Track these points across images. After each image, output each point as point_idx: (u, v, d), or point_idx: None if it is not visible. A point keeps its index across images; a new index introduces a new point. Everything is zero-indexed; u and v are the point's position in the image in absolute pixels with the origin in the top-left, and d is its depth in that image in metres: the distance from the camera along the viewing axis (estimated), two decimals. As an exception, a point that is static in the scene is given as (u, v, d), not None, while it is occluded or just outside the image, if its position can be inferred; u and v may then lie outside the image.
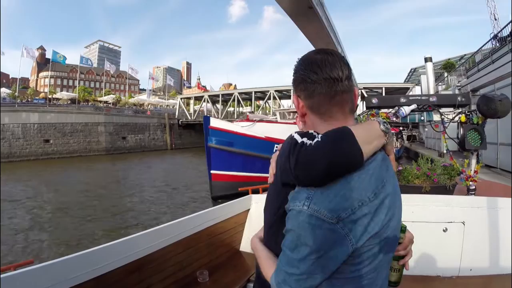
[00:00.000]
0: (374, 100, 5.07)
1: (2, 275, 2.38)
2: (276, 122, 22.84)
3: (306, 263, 1.27)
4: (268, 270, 1.49)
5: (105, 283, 3.02)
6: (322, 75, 1.40)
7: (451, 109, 4.91)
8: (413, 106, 4.57)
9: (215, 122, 19.95)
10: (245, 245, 4.91)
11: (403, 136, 51.91)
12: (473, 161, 4.82)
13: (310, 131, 1.41)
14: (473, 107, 4.72)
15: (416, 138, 58.20)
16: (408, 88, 59.26)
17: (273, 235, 1.60)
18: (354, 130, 1.31)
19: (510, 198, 3.99)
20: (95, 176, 31.28)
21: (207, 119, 19.90)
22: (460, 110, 4.85)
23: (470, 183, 4.76)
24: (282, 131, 20.65)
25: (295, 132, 1.42)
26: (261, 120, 21.82)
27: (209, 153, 19.63)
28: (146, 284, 3.44)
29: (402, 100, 4.69)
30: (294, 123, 22.31)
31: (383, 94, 58.05)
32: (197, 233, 4.19)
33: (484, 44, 27.87)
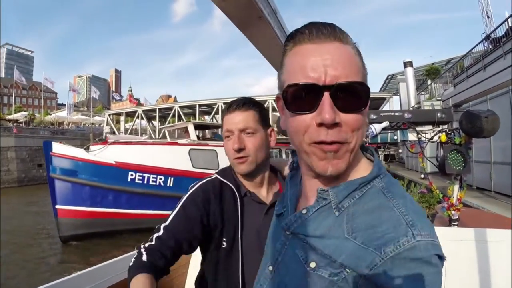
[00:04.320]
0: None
1: None
2: (132, 143, 22.53)
3: None
4: None
5: None
6: None
7: (430, 126, 5.00)
8: (385, 124, 4.59)
9: (58, 148, 19.58)
10: (189, 290, 4.88)
11: (379, 155, 52.54)
12: (456, 187, 4.87)
13: None
14: (456, 124, 4.77)
15: (395, 158, 58.67)
16: (384, 99, 60.18)
17: None
18: None
19: (502, 230, 4.05)
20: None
21: (47, 144, 19.52)
22: (440, 128, 4.93)
23: (452, 212, 4.84)
24: (140, 154, 20.87)
25: None
26: (114, 142, 21.37)
27: (53, 185, 19.15)
28: None
29: (372, 116, 4.77)
30: (170, 143, 21.76)
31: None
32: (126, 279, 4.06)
33: (475, 46, 28.36)
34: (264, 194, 2.54)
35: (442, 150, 4.76)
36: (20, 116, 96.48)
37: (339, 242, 1.23)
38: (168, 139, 25.71)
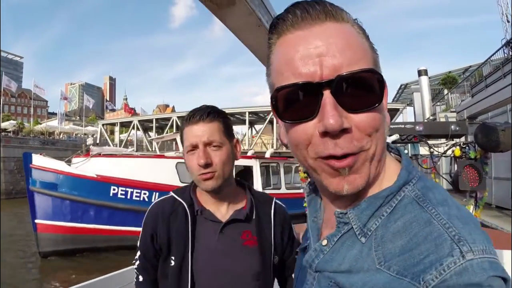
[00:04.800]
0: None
1: None
2: (115, 156, 22.78)
3: None
4: None
5: None
6: None
7: (444, 140, 4.92)
8: (394, 137, 4.56)
9: (38, 160, 19.70)
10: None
11: None
12: (471, 206, 4.77)
13: None
14: (471, 138, 4.66)
15: None
16: (397, 110, 59.83)
17: None
18: None
19: None
20: None
21: (27, 156, 19.72)
22: (454, 141, 4.84)
23: None
24: (124, 167, 20.96)
25: None
26: (97, 155, 21.95)
27: (32, 198, 19.27)
28: None
29: None
30: (156, 156, 21.88)
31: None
32: None
33: (494, 53, 27.65)
34: (224, 211, 2.51)
35: (456, 165, 4.64)
36: (9, 125, 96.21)
37: (370, 276, 1.03)
38: (157, 151, 26.10)
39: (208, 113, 2.40)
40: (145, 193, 20.06)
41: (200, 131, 2.36)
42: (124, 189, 19.82)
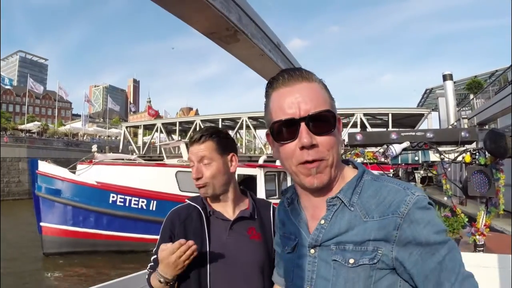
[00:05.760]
0: (359, 137, 5.23)
1: None
2: (117, 164, 23.71)
3: None
4: None
5: None
6: None
7: (454, 146, 4.97)
8: (405, 144, 4.64)
9: (44, 167, 20.89)
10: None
11: (416, 177, 50.09)
12: (482, 211, 4.85)
13: None
14: (481, 144, 4.76)
15: (433, 180, 55.59)
16: (422, 115, 59.27)
17: None
18: None
19: None
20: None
21: (34, 162, 20.69)
22: (464, 148, 4.94)
23: (478, 237, 4.83)
24: (125, 175, 21.67)
25: None
26: (98, 163, 22.92)
27: (38, 203, 20.49)
28: None
29: (392, 136, 4.85)
30: (156, 165, 22.41)
31: (390, 122, 58.88)
32: None
33: None
34: (230, 212, 3.00)
35: (466, 171, 4.71)
36: (33, 126, 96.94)
37: (363, 227, 1.67)
38: (165, 158, 27.47)
39: (201, 136, 2.95)
40: (143, 201, 20.79)
41: (195, 150, 2.94)
42: (123, 196, 20.63)
